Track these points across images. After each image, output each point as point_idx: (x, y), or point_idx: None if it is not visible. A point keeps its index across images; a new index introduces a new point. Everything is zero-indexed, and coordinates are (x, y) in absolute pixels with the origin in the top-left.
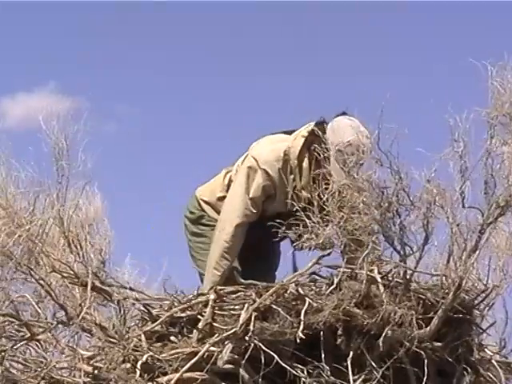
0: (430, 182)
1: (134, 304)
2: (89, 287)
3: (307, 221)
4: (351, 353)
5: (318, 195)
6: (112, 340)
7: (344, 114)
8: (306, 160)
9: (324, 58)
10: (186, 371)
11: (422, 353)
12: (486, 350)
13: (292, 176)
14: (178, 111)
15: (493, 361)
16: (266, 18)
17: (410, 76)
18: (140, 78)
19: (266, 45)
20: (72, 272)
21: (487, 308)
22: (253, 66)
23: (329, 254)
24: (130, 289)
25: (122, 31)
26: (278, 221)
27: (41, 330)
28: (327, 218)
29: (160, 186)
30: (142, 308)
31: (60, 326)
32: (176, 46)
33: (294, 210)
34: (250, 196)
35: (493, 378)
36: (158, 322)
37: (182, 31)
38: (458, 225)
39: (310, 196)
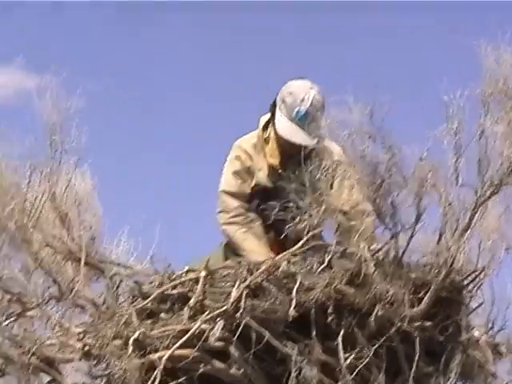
0: (422, 159)
1: (122, 280)
2: (82, 262)
3: (300, 202)
4: (342, 331)
5: (311, 173)
6: (104, 316)
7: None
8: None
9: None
10: (177, 348)
11: (413, 332)
12: (473, 330)
13: (262, 154)
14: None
15: (480, 341)
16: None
17: (404, 53)
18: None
19: None
20: (65, 247)
21: (476, 288)
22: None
23: (320, 232)
24: (120, 265)
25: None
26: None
27: (32, 305)
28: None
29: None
30: (133, 284)
31: (52, 301)
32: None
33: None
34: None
35: (481, 358)
36: (149, 299)
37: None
38: (450, 204)
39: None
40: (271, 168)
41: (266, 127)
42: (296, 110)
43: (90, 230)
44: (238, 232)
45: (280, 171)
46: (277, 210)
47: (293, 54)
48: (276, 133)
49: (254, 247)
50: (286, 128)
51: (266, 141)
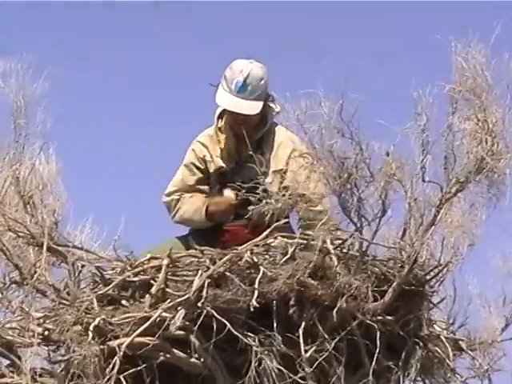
0: (389, 154)
1: (85, 266)
2: (44, 247)
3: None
4: (303, 323)
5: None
6: (64, 302)
7: None
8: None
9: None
10: (138, 336)
11: (374, 326)
12: (435, 325)
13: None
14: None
15: (441, 337)
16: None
17: (374, 49)
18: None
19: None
20: (28, 232)
21: (438, 284)
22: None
23: (285, 224)
24: (83, 249)
25: None
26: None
27: None
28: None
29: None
30: (95, 271)
31: (13, 286)
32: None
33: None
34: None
35: (441, 353)
36: (110, 285)
37: None
38: (415, 199)
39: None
40: (226, 153)
41: (220, 117)
42: (235, 81)
43: (54, 214)
44: (175, 199)
45: (235, 154)
46: (244, 191)
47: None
48: (226, 116)
49: (189, 205)
50: (224, 99)
51: (221, 130)
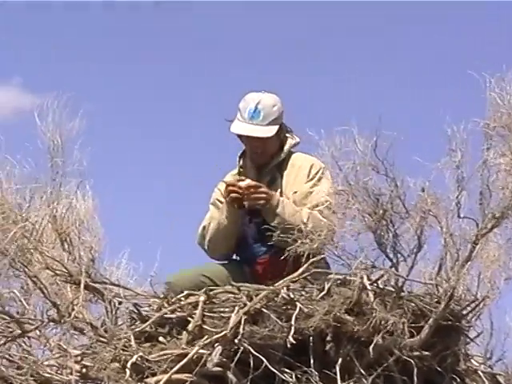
0: (425, 190)
1: (122, 303)
2: (82, 285)
3: (303, 226)
4: (340, 359)
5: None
6: (102, 339)
7: None
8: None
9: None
10: (175, 373)
11: (412, 361)
12: (472, 360)
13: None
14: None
15: (479, 371)
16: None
17: (409, 86)
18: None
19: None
20: (65, 270)
21: (475, 318)
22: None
23: (321, 260)
24: (120, 286)
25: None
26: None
27: (31, 327)
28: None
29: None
30: (132, 308)
31: (51, 324)
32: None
33: None
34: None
35: None
36: (147, 322)
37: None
38: (451, 235)
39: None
40: None
41: (241, 157)
42: (247, 109)
43: (91, 251)
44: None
45: None
46: (278, 233)
47: (297, 84)
48: (244, 148)
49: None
50: (238, 127)
51: (243, 167)
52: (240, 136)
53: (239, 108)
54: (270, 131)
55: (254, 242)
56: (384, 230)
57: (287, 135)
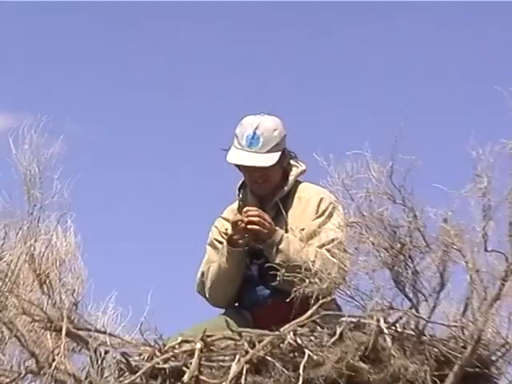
0: (447, 221)
1: (108, 352)
2: (63, 332)
3: (310, 264)
4: None
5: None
6: None
7: None
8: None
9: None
10: None
11: None
12: None
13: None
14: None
15: None
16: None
17: (428, 104)
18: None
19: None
20: (44, 315)
21: (506, 364)
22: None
23: (331, 301)
24: (106, 333)
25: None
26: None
27: (7, 379)
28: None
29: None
30: (120, 357)
31: (29, 375)
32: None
33: None
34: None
35: None
36: (137, 373)
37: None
38: (477, 271)
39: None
40: None
41: (241, 188)
42: (245, 135)
43: (73, 294)
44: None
45: None
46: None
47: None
48: (244, 179)
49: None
50: (235, 156)
51: (243, 200)
52: (238, 166)
53: (236, 134)
54: (271, 159)
55: (256, 285)
56: (402, 266)
57: (291, 162)
